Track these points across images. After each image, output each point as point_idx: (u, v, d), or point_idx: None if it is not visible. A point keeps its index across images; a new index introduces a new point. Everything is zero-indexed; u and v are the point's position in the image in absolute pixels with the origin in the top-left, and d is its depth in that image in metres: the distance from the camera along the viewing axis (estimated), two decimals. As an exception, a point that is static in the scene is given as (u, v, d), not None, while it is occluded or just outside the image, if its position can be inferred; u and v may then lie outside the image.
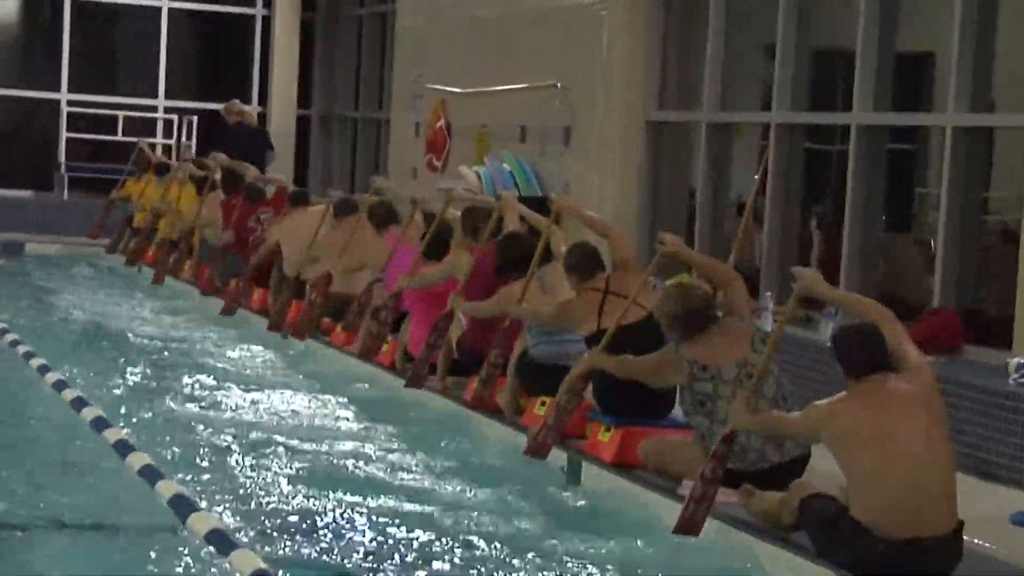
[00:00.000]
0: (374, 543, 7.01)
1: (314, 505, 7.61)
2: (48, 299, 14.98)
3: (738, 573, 6.97)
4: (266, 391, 10.71)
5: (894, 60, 11.60)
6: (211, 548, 6.50)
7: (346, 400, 10.55)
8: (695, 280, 8.07)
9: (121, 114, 21.70)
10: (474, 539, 7.16)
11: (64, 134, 21.59)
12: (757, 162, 12.82)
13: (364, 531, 7.21)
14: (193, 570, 6.39)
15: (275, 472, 8.28)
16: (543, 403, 9.28)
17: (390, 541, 7.05)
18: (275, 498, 7.71)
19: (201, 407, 9.97)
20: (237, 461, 8.47)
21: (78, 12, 21.77)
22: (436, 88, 16.94)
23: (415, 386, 10.32)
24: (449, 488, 8.18)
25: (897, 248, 12.02)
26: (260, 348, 12.57)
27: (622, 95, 14.05)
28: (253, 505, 7.52)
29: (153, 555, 6.54)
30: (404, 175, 17.91)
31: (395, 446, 9.20)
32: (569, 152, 14.46)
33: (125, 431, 8.64)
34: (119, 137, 21.49)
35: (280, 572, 6.26)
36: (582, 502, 8.06)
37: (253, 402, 10.26)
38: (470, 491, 8.12)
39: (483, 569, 6.70)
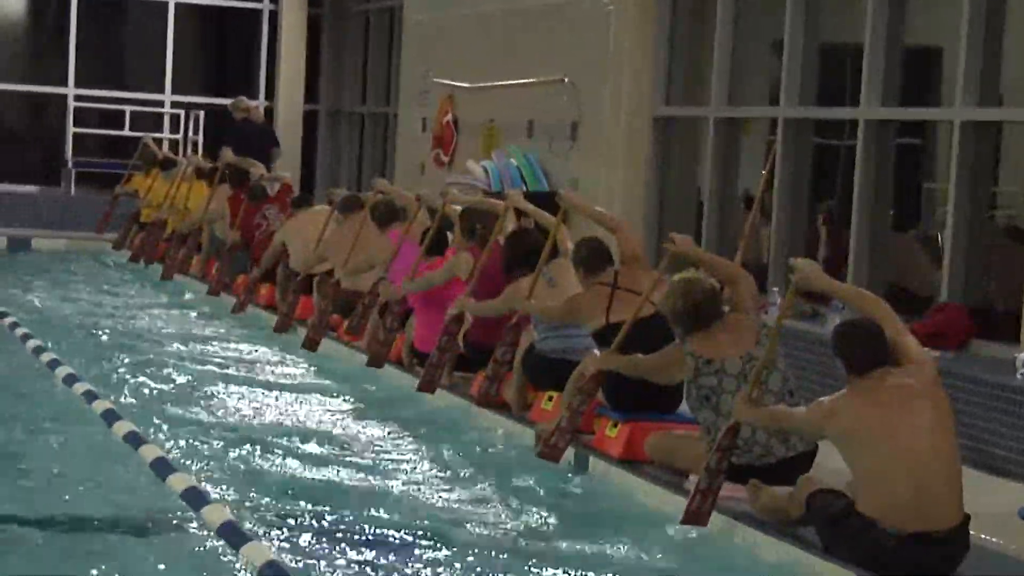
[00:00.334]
0: (382, 536, 7.01)
1: (321, 499, 7.61)
2: (56, 294, 14.99)
3: (744, 568, 6.96)
4: (273, 386, 10.73)
5: (902, 54, 11.60)
6: (221, 541, 6.52)
7: (352, 395, 10.55)
8: (701, 275, 8.07)
9: (128, 109, 21.71)
10: (482, 532, 7.17)
11: (71, 129, 21.59)
12: (764, 157, 12.80)
13: (371, 524, 7.21)
14: (204, 563, 6.40)
15: (282, 467, 8.29)
16: (550, 398, 9.29)
17: (398, 534, 7.06)
18: (282, 492, 7.71)
19: (208, 402, 9.97)
20: (244, 456, 8.48)
21: (85, 7, 21.77)
22: (443, 83, 16.94)
23: (428, 391, 10.24)
24: (456, 482, 8.18)
25: (905, 243, 12.01)
26: (267, 343, 12.58)
27: (629, 90, 14.05)
28: (261, 499, 7.53)
29: (163, 548, 6.56)
30: (411, 170, 17.93)
31: (401, 440, 9.20)
32: (576, 147, 14.46)
33: (132, 425, 8.65)
34: (126, 132, 21.50)
35: (290, 561, 6.28)
36: (590, 496, 8.06)
37: (260, 397, 10.27)
38: (477, 485, 8.13)
39: (491, 562, 6.70)
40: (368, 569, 6.52)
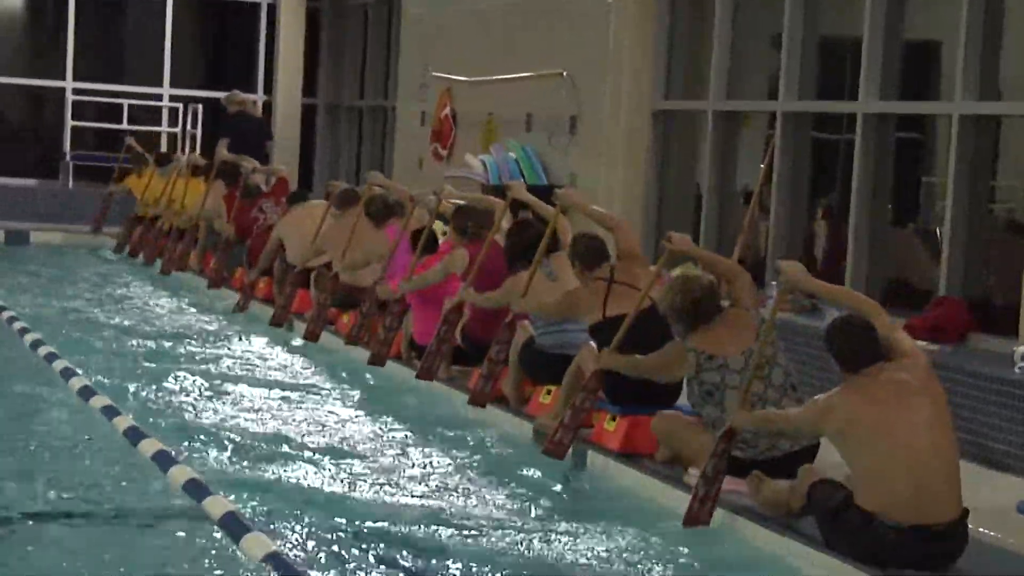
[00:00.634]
0: (381, 529, 7.01)
1: (320, 492, 7.62)
2: (54, 288, 14.99)
3: (744, 562, 6.96)
4: (271, 380, 10.74)
5: (901, 48, 11.58)
6: (223, 533, 6.52)
7: (351, 388, 10.56)
8: (699, 271, 8.09)
9: (126, 103, 21.69)
10: (479, 526, 7.17)
11: (69, 123, 21.57)
12: (763, 151, 12.80)
13: (370, 517, 7.22)
14: (206, 555, 6.39)
15: (281, 461, 8.29)
16: (548, 391, 9.32)
17: (397, 527, 7.06)
18: (282, 485, 7.73)
19: (207, 395, 9.98)
20: (244, 449, 8.48)
21: (83, 1, 21.74)
22: (442, 77, 16.93)
23: (426, 378, 10.28)
24: (454, 476, 8.19)
25: (904, 236, 12.00)
26: (265, 337, 12.59)
27: (628, 84, 14.04)
28: (261, 492, 7.53)
29: (164, 542, 6.56)
30: (410, 164, 17.92)
31: (399, 434, 9.21)
32: (575, 141, 14.45)
33: (133, 419, 8.65)
34: (124, 126, 21.49)
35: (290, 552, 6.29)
36: (588, 490, 8.06)
37: (258, 391, 10.27)
38: (475, 478, 8.14)
39: (491, 556, 6.71)
40: (368, 562, 6.52)
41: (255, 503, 7.31)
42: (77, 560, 6.30)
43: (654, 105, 14.08)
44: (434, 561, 6.60)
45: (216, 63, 23.22)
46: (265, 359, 11.68)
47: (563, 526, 7.29)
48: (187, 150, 21.26)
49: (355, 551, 6.65)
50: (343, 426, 9.36)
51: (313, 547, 6.67)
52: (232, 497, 7.26)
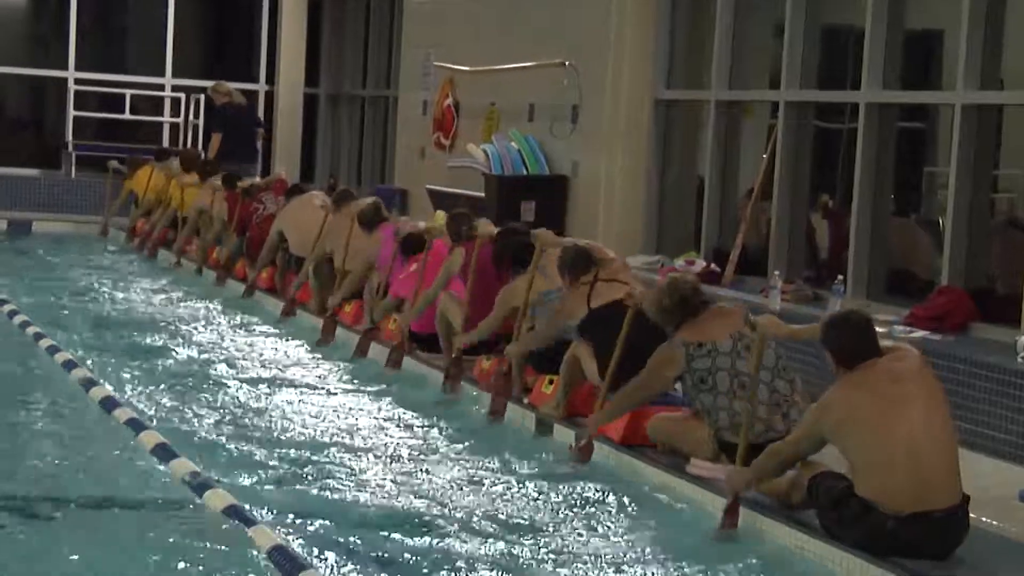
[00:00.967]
0: (384, 519, 7.02)
1: (323, 480, 7.63)
2: (56, 278, 15.00)
3: (746, 551, 6.96)
4: (274, 369, 10.75)
5: (903, 38, 11.58)
6: (226, 526, 6.54)
7: (353, 377, 10.57)
8: (684, 273, 8.29)
9: (128, 92, 21.68)
10: (482, 515, 7.18)
11: (71, 113, 21.55)
12: (766, 140, 12.80)
13: (375, 507, 7.23)
14: (210, 548, 6.40)
15: (285, 451, 8.29)
16: (550, 381, 9.38)
17: (400, 517, 7.07)
18: (285, 476, 7.74)
19: (210, 386, 9.98)
20: (247, 441, 8.49)
21: (85, -10, 21.76)
22: (444, 66, 16.92)
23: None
24: (455, 464, 8.19)
25: (906, 226, 12.00)
26: (268, 327, 12.61)
27: (630, 73, 14.03)
28: (265, 483, 7.55)
29: (166, 535, 6.56)
30: (412, 153, 17.92)
31: (401, 423, 9.22)
32: (577, 130, 14.45)
33: (133, 411, 8.66)
34: (127, 116, 21.49)
35: (296, 545, 6.30)
36: (591, 480, 8.06)
37: (261, 380, 10.28)
38: (477, 468, 8.14)
39: (494, 546, 6.72)
40: (373, 552, 6.52)
41: (259, 493, 7.32)
42: (76, 553, 6.30)
43: (656, 94, 14.07)
44: (432, 550, 6.61)
45: (218, 53, 23.20)
46: (268, 346, 11.71)
47: (564, 515, 7.30)
48: (189, 140, 21.29)
49: (358, 540, 6.66)
50: (343, 412, 9.38)
51: (315, 537, 6.68)
52: (235, 486, 7.29)
